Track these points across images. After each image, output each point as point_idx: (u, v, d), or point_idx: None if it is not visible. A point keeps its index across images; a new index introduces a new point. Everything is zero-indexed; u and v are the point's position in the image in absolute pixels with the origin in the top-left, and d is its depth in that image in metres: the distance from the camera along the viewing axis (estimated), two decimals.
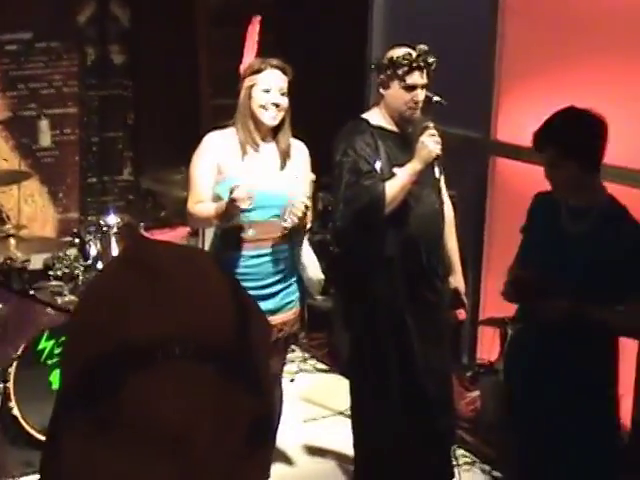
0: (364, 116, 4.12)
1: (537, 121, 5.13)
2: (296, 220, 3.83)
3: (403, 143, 4.06)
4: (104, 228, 5.19)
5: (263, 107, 3.92)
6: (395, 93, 3.99)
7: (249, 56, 4.12)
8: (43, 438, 4.62)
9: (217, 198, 3.90)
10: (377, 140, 4.02)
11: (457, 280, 4.30)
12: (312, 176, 4.13)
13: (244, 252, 3.90)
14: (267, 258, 3.93)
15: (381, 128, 4.06)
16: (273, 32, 6.34)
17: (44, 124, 6.43)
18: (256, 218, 3.86)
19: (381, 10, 6.36)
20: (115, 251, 5.15)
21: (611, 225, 3.34)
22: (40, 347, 4.69)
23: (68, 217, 6.61)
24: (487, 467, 4.66)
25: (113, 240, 5.18)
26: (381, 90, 4.05)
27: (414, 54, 3.96)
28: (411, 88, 3.96)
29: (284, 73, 3.96)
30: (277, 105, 3.92)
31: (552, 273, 3.35)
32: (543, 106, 5.16)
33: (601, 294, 3.29)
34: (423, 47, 3.99)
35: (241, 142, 3.95)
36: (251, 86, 3.95)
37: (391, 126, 4.07)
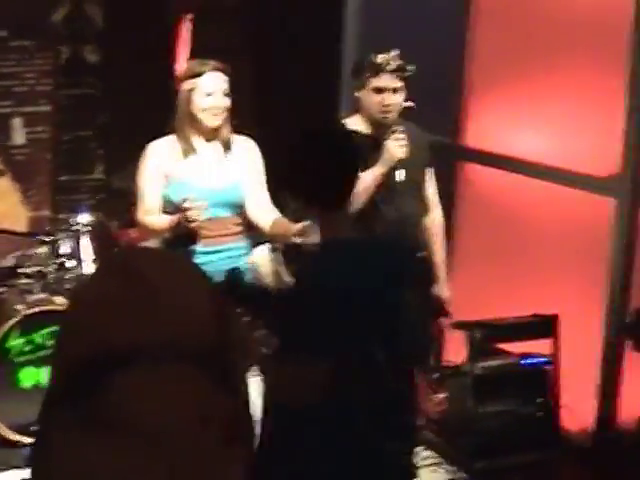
0: (344, 120, 4.16)
1: (506, 126, 5.23)
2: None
3: (377, 147, 4.10)
4: (75, 226, 5.20)
5: (206, 111, 3.92)
6: (366, 97, 4.05)
7: (183, 57, 4.10)
8: (12, 436, 4.66)
9: (165, 201, 3.94)
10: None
11: (440, 289, 4.34)
12: None
13: (195, 247, 3.91)
14: (217, 256, 3.94)
15: (356, 132, 4.09)
16: (242, 33, 6.42)
17: (17, 122, 6.43)
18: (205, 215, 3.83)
19: (355, 15, 6.42)
20: (86, 249, 5.16)
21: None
22: (9, 345, 4.70)
23: (39, 215, 6.61)
24: (453, 468, 4.72)
25: (84, 239, 5.19)
26: (356, 94, 4.10)
27: (382, 57, 4.01)
28: (380, 91, 4.01)
29: (225, 74, 3.96)
30: (221, 109, 3.93)
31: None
32: (512, 112, 5.25)
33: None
34: (394, 51, 4.04)
35: (182, 147, 3.96)
36: (191, 90, 3.93)
37: (367, 130, 4.11)
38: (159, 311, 1.63)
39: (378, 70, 3.99)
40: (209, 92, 3.90)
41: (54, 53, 6.56)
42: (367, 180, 3.98)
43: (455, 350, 5.01)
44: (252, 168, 4.07)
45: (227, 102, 3.94)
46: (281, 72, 6.15)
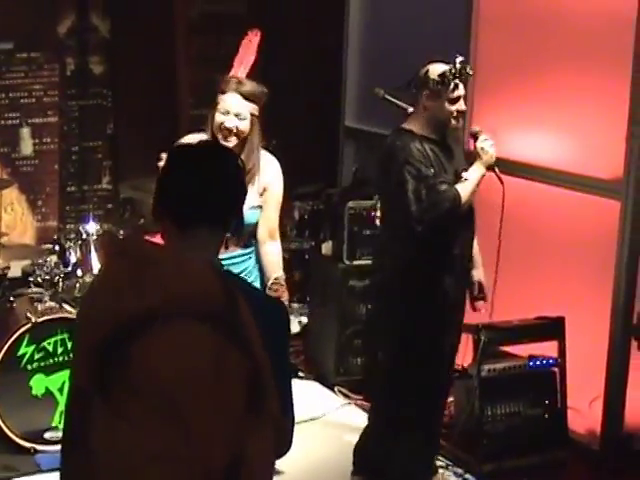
0: (405, 127, 4.21)
1: (509, 131, 5.27)
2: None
3: (443, 150, 4.20)
4: (84, 235, 5.23)
5: (218, 129, 3.92)
6: (441, 106, 4.12)
7: (235, 69, 4.12)
8: (23, 443, 4.68)
9: None
10: (425, 147, 4.15)
11: (479, 273, 4.44)
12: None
13: None
14: (232, 261, 3.94)
15: (425, 137, 4.18)
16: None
17: (26, 132, 6.48)
18: None
19: (356, 23, 6.47)
20: (95, 258, 5.20)
21: None
22: (20, 352, 4.73)
23: (47, 225, 6.66)
24: (460, 470, 4.74)
25: (93, 247, 5.23)
26: (426, 103, 4.13)
27: (458, 68, 4.10)
28: (455, 100, 4.12)
29: (245, 98, 3.92)
30: (229, 130, 3.90)
31: None
32: (514, 117, 5.29)
33: None
34: (461, 59, 4.12)
35: None
36: (216, 104, 3.95)
37: (433, 135, 4.19)
38: (169, 284, 1.68)
39: (456, 80, 4.09)
40: (224, 111, 3.92)
41: (60, 65, 6.62)
42: (474, 182, 4.16)
43: (461, 353, 5.05)
44: (272, 193, 4.06)
45: (241, 125, 3.92)
46: (285, 84, 6.20)
